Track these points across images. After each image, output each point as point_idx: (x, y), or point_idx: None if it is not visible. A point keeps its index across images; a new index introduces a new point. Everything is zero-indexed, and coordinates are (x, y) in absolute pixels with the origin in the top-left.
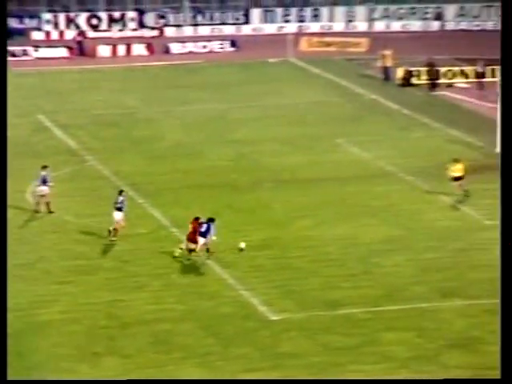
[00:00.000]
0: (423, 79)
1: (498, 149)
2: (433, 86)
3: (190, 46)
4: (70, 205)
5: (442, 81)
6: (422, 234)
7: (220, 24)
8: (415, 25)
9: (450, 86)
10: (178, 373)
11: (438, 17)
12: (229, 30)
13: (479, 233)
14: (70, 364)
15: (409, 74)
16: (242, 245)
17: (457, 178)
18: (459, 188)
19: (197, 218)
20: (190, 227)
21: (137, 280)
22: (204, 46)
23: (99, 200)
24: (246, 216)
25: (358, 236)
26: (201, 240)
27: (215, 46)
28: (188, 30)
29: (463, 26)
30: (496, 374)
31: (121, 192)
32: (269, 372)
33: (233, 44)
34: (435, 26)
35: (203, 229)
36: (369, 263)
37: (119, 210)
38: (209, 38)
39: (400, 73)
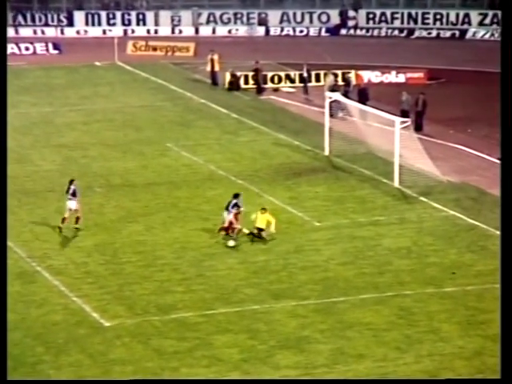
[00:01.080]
0: (250, 84)
1: (326, 152)
2: (260, 90)
3: (11, 48)
4: None
5: (268, 85)
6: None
7: (42, 25)
8: (240, 30)
9: (276, 90)
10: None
11: (262, 22)
12: (52, 32)
13: (309, 234)
14: None
15: (236, 79)
16: (231, 243)
17: (260, 230)
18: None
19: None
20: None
21: None
22: (26, 48)
23: None
24: (75, 220)
25: (190, 240)
26: (226, 215)
27: (38, 48)
28: (9, 31)
29: (287, 31)
30: (323, 371)
31: (71, 181)
32: (99, 379)
33: (56, 46)
34: (260, 31)
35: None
36: (202, 267)
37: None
38: (31, 40)
39: (227, 77)
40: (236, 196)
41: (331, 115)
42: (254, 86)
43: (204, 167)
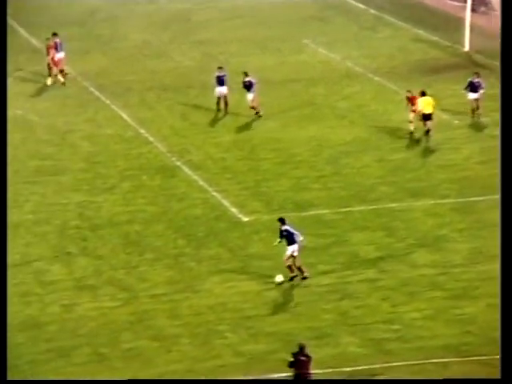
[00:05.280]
0: None
1: (466, 47)
2: None
3: None
4: (35, 104)
5: None
6: (391, 134)
7: None
8: None
9: None
10: (149, 274)
11: None
12: None
13: (447, 132)
14: (43, 264)
15: None
16: (279, 279)
17: (426, 117)
18: (425, 126)
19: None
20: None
21: (106, 181)
22: None
23: (65, 99)
24: (214, 117)
25: (326, 137)
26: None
27: None
28: None
29: None
30: (460, 271)
31: (246, 74)
32: (239, 273)
33: None
34: None
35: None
36: (338, 164)
37: (248, 89)
38: None
39: None
40: (246, 74)
41: (472, 10)
42: None
43: (341, 64)
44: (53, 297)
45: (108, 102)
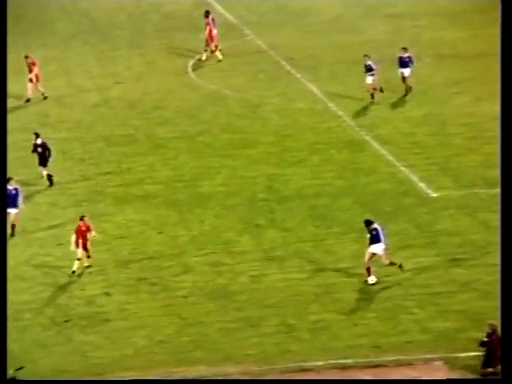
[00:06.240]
0: None
1: None
2: None
3: None
4: (229, 79)
5: None
6: None
7: None
8: None
9: None
10: (336, 247)
11: None
12: None
13: None
14: (233, 235)
15: None
16: (372, 280)
17: None
18: None
19: None
20: None
21: (295, 155)
22: None
23: (257, 74)
24: (403, 92)
25: None
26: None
27: None
28: None
29: None
30: None
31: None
32: (426, 249)
33: None
34: None
35: None
36: None
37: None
38: None
39: None
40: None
41: None
42: None
43: None
44: (242, 267)
45: (298, 75)
